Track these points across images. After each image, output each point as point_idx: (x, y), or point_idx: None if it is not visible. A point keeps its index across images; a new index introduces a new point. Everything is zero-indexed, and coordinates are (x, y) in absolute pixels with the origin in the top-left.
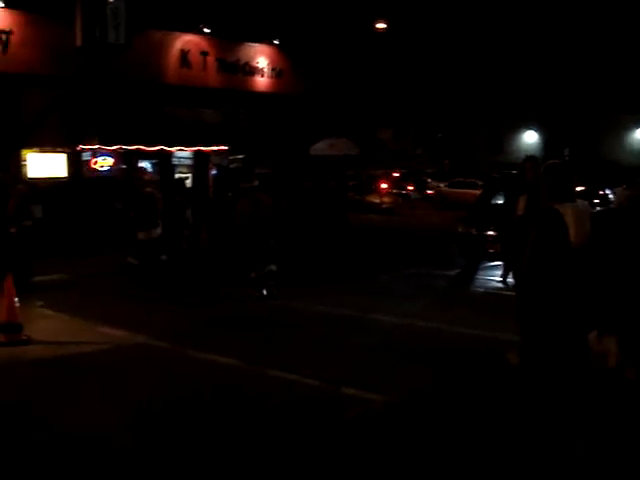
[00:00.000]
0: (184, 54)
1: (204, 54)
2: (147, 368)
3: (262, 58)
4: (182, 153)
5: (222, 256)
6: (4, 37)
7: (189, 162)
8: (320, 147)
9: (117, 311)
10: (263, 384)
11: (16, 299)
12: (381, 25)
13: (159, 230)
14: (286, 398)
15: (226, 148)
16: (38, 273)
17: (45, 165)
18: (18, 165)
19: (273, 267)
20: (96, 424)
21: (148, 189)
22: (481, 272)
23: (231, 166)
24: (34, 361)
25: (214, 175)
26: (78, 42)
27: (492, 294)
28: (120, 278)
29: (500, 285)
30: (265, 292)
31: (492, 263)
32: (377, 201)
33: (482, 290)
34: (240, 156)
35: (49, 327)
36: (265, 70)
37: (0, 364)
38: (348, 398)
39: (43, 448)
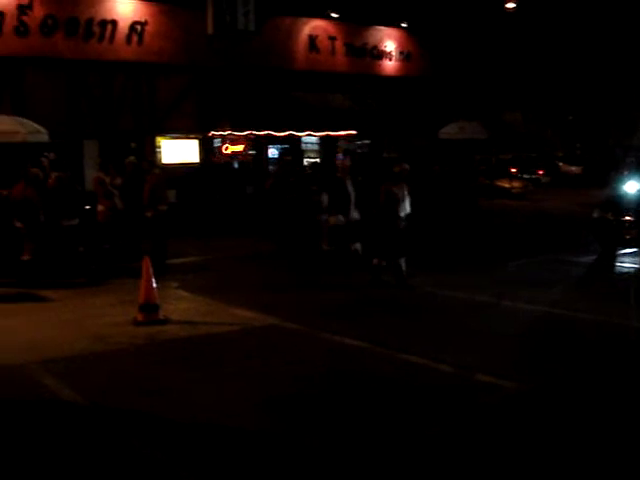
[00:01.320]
0: (312, 39)
1: (332, 39)
2: (279, 349)
3: (390, 41)
4: (309, 138)
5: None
6: (139, 28)
7: (316, 147)
8: (449, 130)
9: (249, 293)
10: (394, 368)
11: (154, 280)
12: (511, 5)
13: (355, 215)
14: (418, 383)
15: (354, 133)
16: (172, 256)
17: (178, 151)
18: (153, 151)
19: (402, 259)
20: (230, 403)
21: (340, 175)
22: (619, 259)
23: (358, 151)
24: (170, 340)
25: (341, 160)
26: (209, 30)
27: (629, 282)
28: (250, 261)
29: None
30: (394, 280)
31: (629, 250)
32: (507, 186)
33: (619, 277)
34: (367, 141)
35: (184, 308)
36: (393, 53)
37: (138, 343)
38: (482, 385)
39: (183, 427)
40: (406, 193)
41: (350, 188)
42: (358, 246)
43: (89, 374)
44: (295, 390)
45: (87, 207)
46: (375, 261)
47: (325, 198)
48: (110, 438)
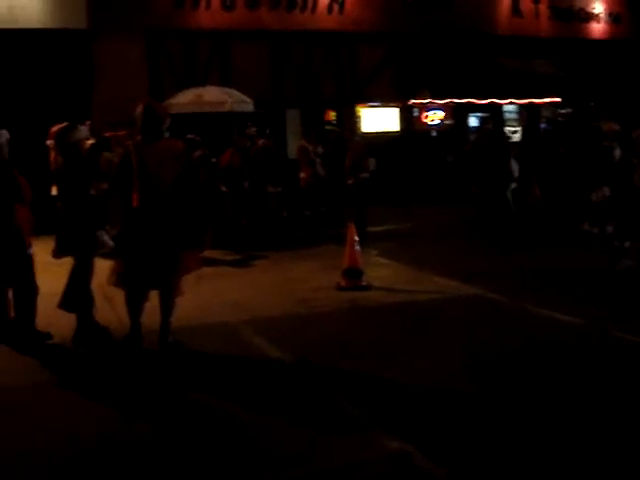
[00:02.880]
0: (515, 3)
1: (536, 2)
2: (482, 319)
3: (598, 3)
4: (509, 106)
5: (554, 213)
6: None
7: (515, 116)
8: None
9: (451, 262)
10: (603, 345)
11: (357, 246)
12: None
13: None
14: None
15: (558, 100)
16: (373, 224)
17: (378, 120)
18: (353, 120)
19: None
20: (436, 367)
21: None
22: None
23: (559, 119)
24: (373, 306)
25: (544, 129)
26: None
27: None
28: (451, 229)
29: None
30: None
31: None
32: None
33: None
34: (569, 109)
35: (385, 275)
36: (601, 16)
37: (342, 307)
38: None
39: (389, 388)
40: None
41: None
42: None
43: (294, 336)
44: (496, 358)
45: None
46: (617, 243)
47: (515, 168)
48: (316, 396)
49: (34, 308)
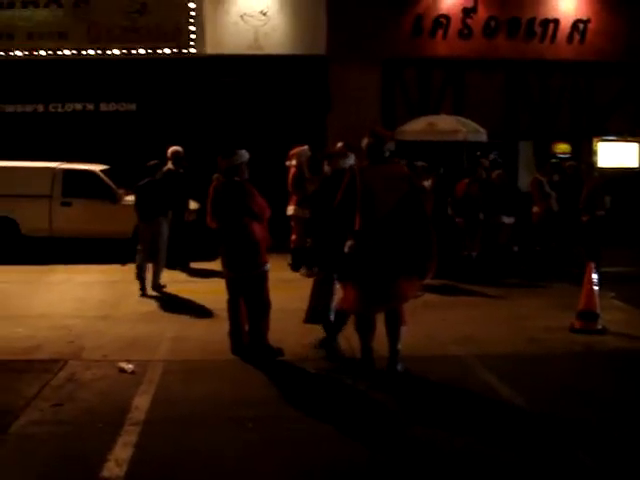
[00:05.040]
0: None
1: None
2: None
3: None
4: None
5: None
6: (582, 26)
7: None
8: None
9: None
10: None
11: (596, 288)
12: None
13: None
14: None
15: None
16: (606, 264)
17: (615, 154)
18: (589, 153)
19: None
20: None
21: None
22: None
23: None
24: (610, 352)
25: None
26: None
27: None
28: None
29: None
30: None
31: None
32: None
33: None
34: None
35: (622, 319)
36: None
37: (575, 350)
38: None
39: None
40: None
41: None
42: None
43: (525, 376)
44: None
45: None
46: None
47: None
48: (554, 445)
49: (267, 323)
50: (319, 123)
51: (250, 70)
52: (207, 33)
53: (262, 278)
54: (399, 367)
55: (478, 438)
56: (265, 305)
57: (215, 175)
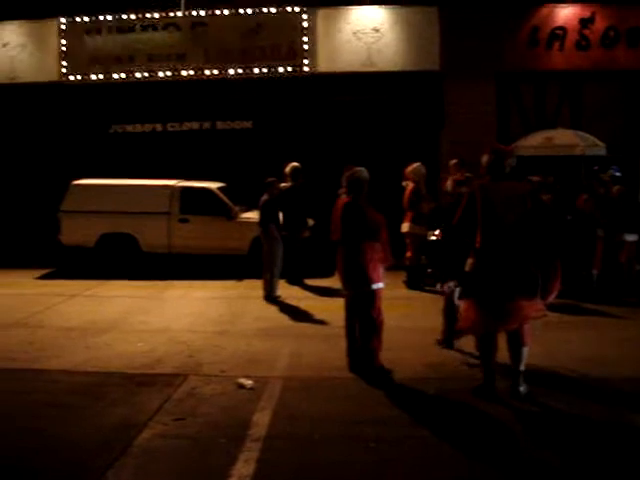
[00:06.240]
0: None
1: None
2: None
3: None
4: None
5: None
6: None
7: None
8: None
9: None
10: None
11: None
12: None
13: None
14: None
15: None
16: None
17: None
18: None
19: None
20: None
21: None
22: None
23: None
24: None
25: None
26: None
27: None
28: None
29: None
30: None
31: None
32: None
33: None
34: None
35: None
36: None
37: None
38: None
39: None
40: None
41: None
42: None
43: None
44: None
45: None
46: None
47: None
48: None
49: (378, 342)
50: (433, 140)
51: (363, 87)
52: (320, 51)
53: (371, 296)
54: (522, 389)
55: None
56: (374, 324)
57: (340, 191)
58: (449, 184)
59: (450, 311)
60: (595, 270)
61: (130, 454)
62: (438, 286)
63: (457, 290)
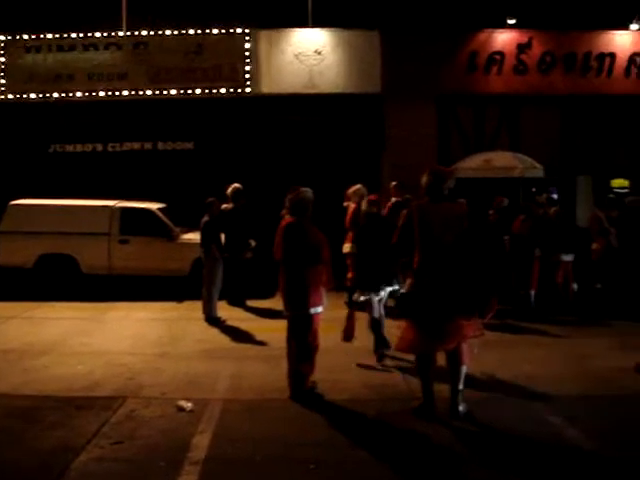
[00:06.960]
0: None
1: None
2: None
3: None
4: None
5: None
6: (638, 60)
7: None
8: None
9: None
10: None
11: None
12: None
13: None
14: None
15: None
16: None
17: None
18: None
19: None
20: None
21: None
22: None
23: None
24: None
25: None
26: None
27: None
28: None
29: None
30: None
31: None
32: None
33: None
34: None
35: None
36: None
37: None
38: None
39: None
40: None
41: None
42: None
43: (594, 418)
44: None
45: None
46: None
47: None
48: None
49: (309, 367)
50: (374, 161)
51: (306, 109)
52: (262, 72)
53: (309, 320)
54: (461, 408)
55: None
56: (309, 348)
57: (283, 211)
58: (363, 204)
59: (375, 324)
60: (533, 290)
61: (67, 477)
62: (355, 296)
63: (376, 300)
